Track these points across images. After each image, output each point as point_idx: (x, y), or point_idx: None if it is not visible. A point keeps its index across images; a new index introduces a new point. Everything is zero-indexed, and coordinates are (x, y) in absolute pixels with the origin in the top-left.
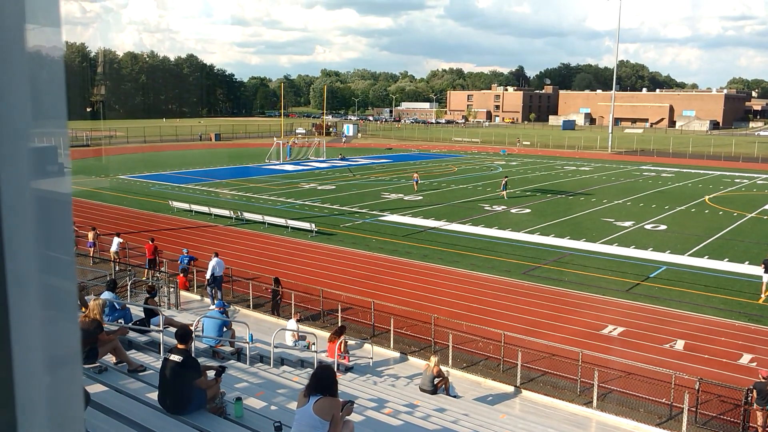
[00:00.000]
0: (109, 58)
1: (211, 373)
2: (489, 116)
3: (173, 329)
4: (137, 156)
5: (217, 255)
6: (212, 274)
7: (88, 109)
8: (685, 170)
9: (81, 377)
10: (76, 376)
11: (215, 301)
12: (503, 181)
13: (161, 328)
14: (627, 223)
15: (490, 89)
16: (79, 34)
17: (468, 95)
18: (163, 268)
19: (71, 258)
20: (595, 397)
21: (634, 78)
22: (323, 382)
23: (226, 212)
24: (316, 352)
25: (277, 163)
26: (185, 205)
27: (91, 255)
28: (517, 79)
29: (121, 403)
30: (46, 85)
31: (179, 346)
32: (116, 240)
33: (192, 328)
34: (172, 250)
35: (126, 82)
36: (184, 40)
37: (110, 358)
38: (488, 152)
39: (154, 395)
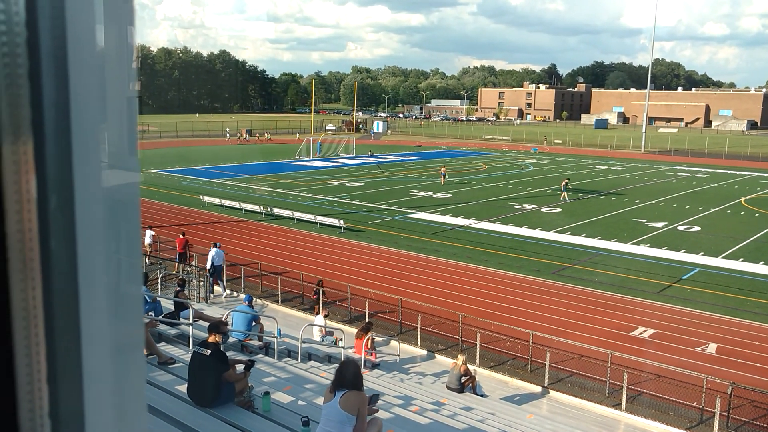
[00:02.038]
0: (144, 54)
1: (240, 367)
2: (520, 114)
3: (203, 322)
4: (170, 150)
5: (216, 245)
6: (212, 264)
7: None
8: (720, 171)
9: (144, 370)
10: (140, 369)
11: (226, 291)
12: (563, 183)
13: (191, 322)
14: (659, 224)
15: (522, 87)
16: None
17: (499, 93)
18: (193, 262)
19: (138, 257)
20: (624, 399)
21: (670, 77)
22: (348, 376)
23: (256, 207)
24: (343, 348)
25: (307, 159)
26: (216, 200)
27: None
28: (550, 77)
29: (151, 394)
30: (117, 81)
31: (209, 340)
32: (149, 232)
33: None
34: (203, 245)
35: (159, 77)
36: (217, 36)
37: None
38: (519, 150)
39: (183, 388)
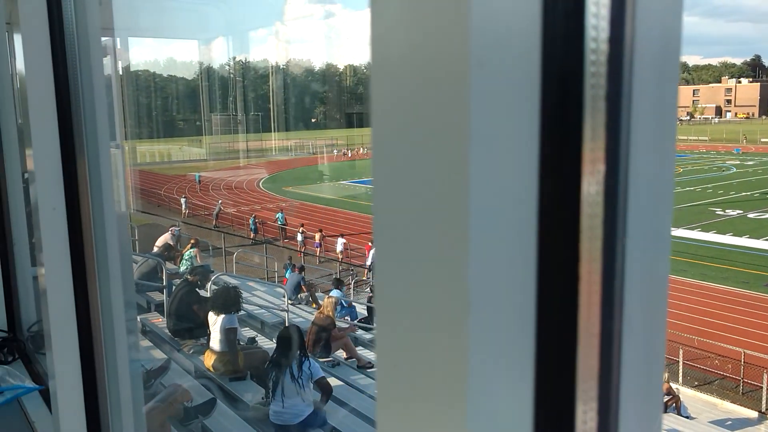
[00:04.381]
0: (332, 72)
1: None
2: (719, 112)
3: None
4: (357, 162)
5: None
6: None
7: (313, 120)
8: None
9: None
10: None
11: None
12: None
13: None
14: None
15: (720, 82)
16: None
17: (693, 90)
18: None
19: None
20: None
21: None
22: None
23: None
24: None
25: None
26: None
27: (317, 255)
28: (753, 69)
29: (352, 396)
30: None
31: None
32: (340, 240)
33: None
34: None
35: (345, 93)
36: None
37: (341, 353)
38: (719, 151)
39: None
